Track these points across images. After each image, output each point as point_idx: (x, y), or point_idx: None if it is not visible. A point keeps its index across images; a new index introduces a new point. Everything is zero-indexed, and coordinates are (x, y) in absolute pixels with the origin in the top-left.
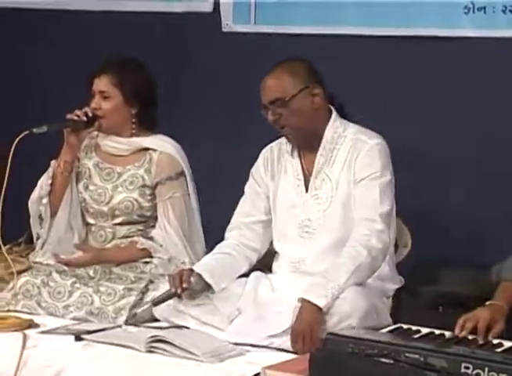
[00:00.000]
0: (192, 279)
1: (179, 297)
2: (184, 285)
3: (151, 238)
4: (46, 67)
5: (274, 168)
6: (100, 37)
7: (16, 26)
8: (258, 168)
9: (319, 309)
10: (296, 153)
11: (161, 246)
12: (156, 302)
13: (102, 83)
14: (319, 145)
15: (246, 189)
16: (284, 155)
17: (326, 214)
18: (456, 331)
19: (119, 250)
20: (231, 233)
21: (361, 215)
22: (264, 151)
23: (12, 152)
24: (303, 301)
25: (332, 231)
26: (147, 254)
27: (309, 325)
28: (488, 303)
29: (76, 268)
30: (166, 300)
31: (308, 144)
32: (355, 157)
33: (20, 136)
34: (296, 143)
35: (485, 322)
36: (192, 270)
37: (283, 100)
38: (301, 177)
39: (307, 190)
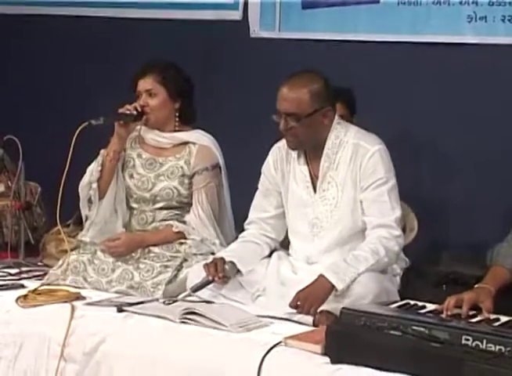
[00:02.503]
0: (226, 266)
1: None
2: (220, 274)
3: (185, 222)
4: (91, 70)
5: (283, 168)
6: (140, 44)
7: (64, 34)
8: (269, 167)
9: (334, 289)
10: (302, 160)
11: (193, 229)
12: (195, 289)
13: (147, 82)
14: (322, 150)
15: (260, 186)
16: (292, 157)
17: (332, 214)
18: (444, 312)
19: (154, 233)
20: (251, 226)
21: (377, 221)
22: (273, 150)
23: (74, 141)
24: (322, 277)
25: (338, 229)
26: (182, 236)
27: (317, 296)
28: (476, 286)
29: (118, 257)
30: (203, 287)
31: (312, 150)
32: (358, 164)
33: (80, 127)
34: (300, 151)
35: (468, 303)
36: (223, 259)
37: (297, 116)
38: (309, 180)
39: (315, 191)
